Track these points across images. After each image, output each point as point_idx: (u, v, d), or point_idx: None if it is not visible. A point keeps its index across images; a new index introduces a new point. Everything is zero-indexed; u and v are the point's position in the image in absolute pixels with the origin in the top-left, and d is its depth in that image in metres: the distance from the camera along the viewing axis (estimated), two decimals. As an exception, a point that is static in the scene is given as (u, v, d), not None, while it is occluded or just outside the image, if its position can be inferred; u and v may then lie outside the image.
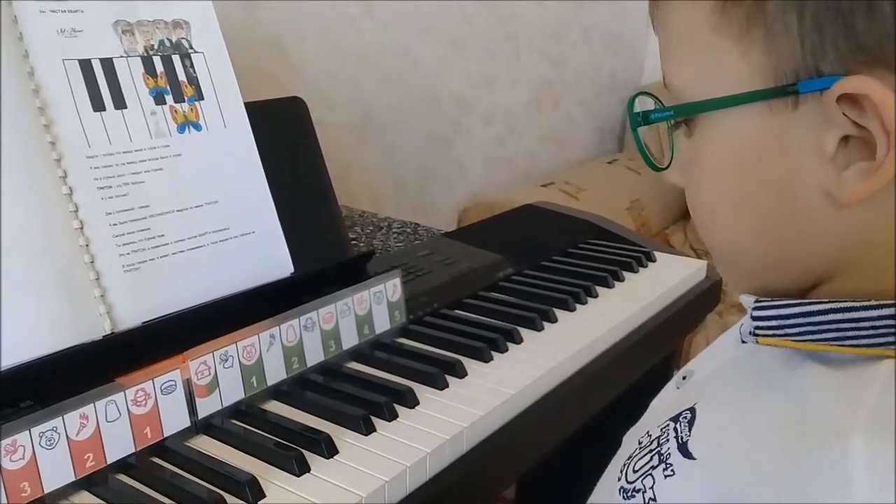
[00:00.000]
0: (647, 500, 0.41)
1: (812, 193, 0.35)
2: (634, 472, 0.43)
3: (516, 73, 1.99)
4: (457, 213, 1.86)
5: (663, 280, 0.97)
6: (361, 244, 1.06)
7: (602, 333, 0.82)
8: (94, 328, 0.64)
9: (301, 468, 0.57)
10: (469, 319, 0.83)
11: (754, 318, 0.39)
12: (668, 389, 0.53)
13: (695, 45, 0.38)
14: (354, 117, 1.57)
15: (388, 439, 0.62)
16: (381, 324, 0.76)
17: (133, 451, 0.57)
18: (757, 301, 0.39)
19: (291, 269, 0.78)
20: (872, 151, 0.33)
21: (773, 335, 0.38)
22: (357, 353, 0.75)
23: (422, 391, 0.68)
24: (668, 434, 0.42)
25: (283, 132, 0.84)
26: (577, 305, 0.88)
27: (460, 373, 0.71)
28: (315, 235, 0.82)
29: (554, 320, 0.84)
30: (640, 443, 0.45)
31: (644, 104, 0.43)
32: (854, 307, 0.35)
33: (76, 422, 0.54)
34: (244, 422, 0.63)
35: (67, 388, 0.55)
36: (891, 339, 0.34)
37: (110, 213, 0.67)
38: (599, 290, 0.92)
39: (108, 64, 0.70)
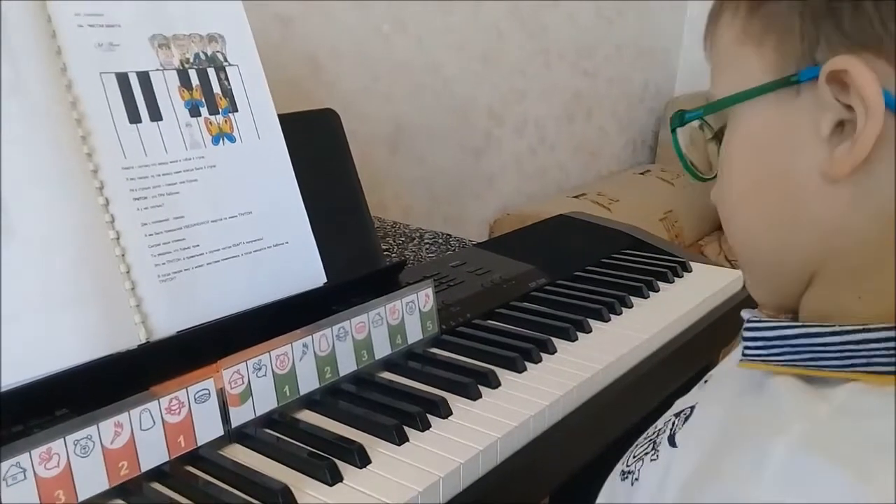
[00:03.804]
0: (632, 481, 0.45)
1: (810, 176, 0.38)
2: (633, 458, 0.47)
3: (547, 85, 1.99)
4: (488, 225, 1.86)
5: (700, 290, 0.95)
6: (393, 255, 1.06)
7: (637, 344, 0.81)
8: (129, 337, 0.65)
9: (334, 478, 0.57)
10: (502, 330, 0.83)
11: (744, 339, 0.42)
12: (692, 391, 0.54)
13: (729, 60, 0.42)
14: (387, 130, 1.58)
15: (421, 449, 0.61)
16: (414, 334, 0.76)
17: (167, 459, 0.57)
18: (748, 321, 0.42)
19: (324, 279, 0.78)
20: None
21: (755, 358, 0.41)
22: (389, 363, 0.74)
23: (455, 401, 0.67)
24: (667, 427, 0.46)
25: (317, 144, 0.84)
26: (612, 316, 0.87)
27: (493, 383, 0.71)
28: (347, 246, 0.83)
29: (588, 331, 0.83)
30: (647, 434, 0.48)
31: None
32: (820, 332, 0.38)
33: (111, 430, 0.54)
34: (277, 431, 0.63)
35: (102, 397, 0.55)
36: (857, 361, 0.36)
37: (146, 224, 0.68)
38: (634, 300, 0.91)
39: (144, 77, 0.71)
